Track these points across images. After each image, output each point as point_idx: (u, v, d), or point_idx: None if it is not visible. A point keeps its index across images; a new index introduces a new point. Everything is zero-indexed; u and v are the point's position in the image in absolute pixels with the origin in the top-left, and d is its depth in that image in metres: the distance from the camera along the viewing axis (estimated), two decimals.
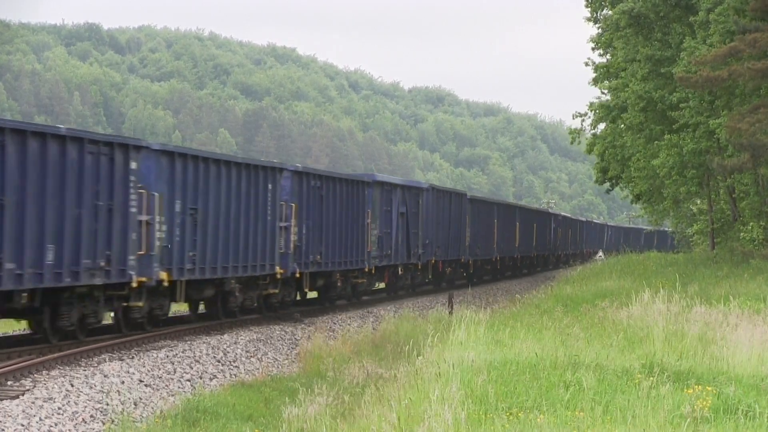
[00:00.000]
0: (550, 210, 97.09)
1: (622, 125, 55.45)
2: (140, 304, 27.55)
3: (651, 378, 17.24)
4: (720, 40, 43.15)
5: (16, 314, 24.94)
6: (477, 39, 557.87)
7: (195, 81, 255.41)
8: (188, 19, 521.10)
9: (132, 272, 26.28)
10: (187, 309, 34.24)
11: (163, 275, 28.06)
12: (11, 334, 28.82)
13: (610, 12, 55.08)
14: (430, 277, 53.31)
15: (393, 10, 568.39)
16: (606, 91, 59.47)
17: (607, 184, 65.58)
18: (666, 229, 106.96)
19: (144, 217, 27.04)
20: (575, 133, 64.93)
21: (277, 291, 35.35)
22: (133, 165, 26.30)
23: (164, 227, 28.12)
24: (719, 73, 39.89)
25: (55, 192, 23.66)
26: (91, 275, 24.79)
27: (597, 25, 59.81)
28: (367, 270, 42.88)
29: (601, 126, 61.44)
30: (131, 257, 26.24)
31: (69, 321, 25.13)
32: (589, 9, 59.16)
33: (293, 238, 35.72)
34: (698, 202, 64.21)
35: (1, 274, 22.19)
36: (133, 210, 26.39)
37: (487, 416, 14.59)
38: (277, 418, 19.48)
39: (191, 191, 29.60)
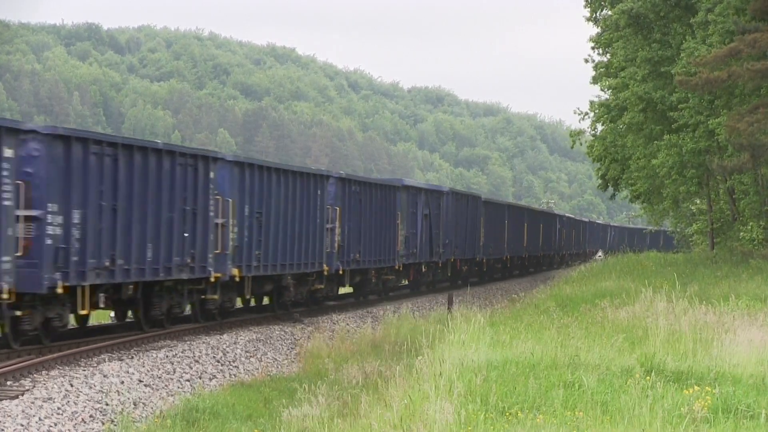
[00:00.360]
0: (555, 212, 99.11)
1: (622, 126, 55.41)
2: (216, 297, 31.08)
3: (650, 378, 17.25)
4: (720, 41, 43.12)
5: (121, 304, 28.29)
6: (476, 39, 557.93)
7: (194, 81, 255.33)
8: (188, 19, 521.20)
9: (210, 269, 29.85)
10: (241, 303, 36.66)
11: (235, 272, 31.65)
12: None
13: (609, 12, 55.04)
14: (449, 274, 56.47)
15: (393, 10, 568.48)
16: (606, 90, 59.43)
17: (611, 190, 65.70)
18: (666, 229, 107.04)
19: (220, 221, 30.67)
20: (576, 136, 64.95)
21: (323, 286, 38.76)
22: (212, 174, 30.02)
23: (236, 229, 31.70)
24: (719, 75, 39.86)
25: (153, 198, 27.16)
26: (180, 271, 28.43)
27: (597, 25, 59.79)
28: (396, 267, 46.26)
29: (601, 127, 61.43)
30: (210, 255, 29.85)
31: (160, 311, 28.64)
32: (589, 9, 59.14)
33: (337, 238, 39.28)
34: (698, 202, 64.19)
35: (114, 269, 25.61)
36: (212, 214, 30.05)
37: (487, 416, 14.59)
38: (277, 418, 19.48)
39: (257, 197, 33.14)
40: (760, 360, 19.10)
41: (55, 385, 20.96)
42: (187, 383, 24.09)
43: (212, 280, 30.15)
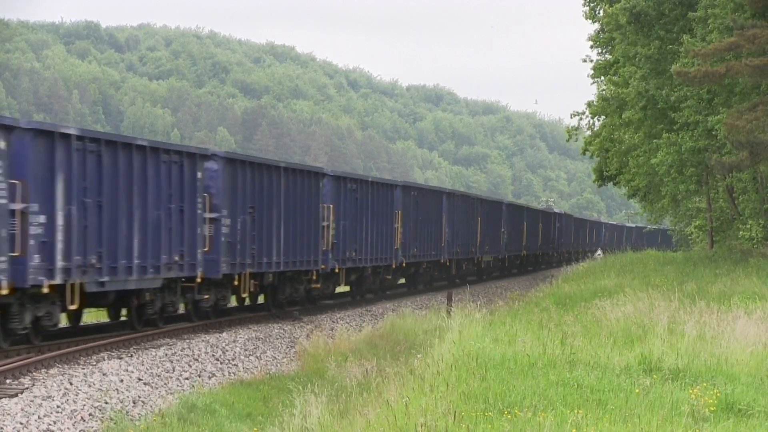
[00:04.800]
0: (564, 212, 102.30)
1: (619, 120, 55.33)
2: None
3: (650, 376, 17.25)
4: (719, 38, 43.06)
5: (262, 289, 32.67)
6: (476, 37, 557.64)
7: (194, 79, 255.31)
8: (187, 17, 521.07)
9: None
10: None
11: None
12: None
13: (608, 9, 54.93)
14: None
15: (392, 9, 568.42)
16: (604, 84, 59.31)
17: (601, 182, 65.70)
18: (665, 227, 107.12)
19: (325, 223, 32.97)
20: (573, 131, 64.89)
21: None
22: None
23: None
24: (717, 69, 39.79)
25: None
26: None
27: (595, 23, 59.74)
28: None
29: (600, 121, 61.38)
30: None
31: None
32: (587, 7, 59.06)
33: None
34: (697, 200, 64.12)
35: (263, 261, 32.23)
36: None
37: (486, 415, 14.58)
38: (276, 416, 19.47)
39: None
40: (759, 358, 19.11)
41: (54, 384, 20.96)
42: (187, 382, 24.09)
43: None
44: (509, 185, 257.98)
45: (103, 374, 22.48)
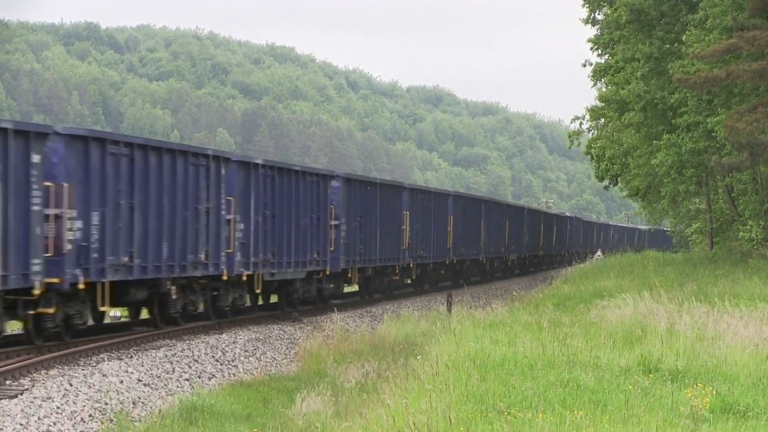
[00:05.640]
0: (570, 215, 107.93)
1: (619, 122, 55.33)
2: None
3: (649, 377, 17.26)
4: (718, 38, 43.07)
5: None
6: (475, 38, 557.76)
7: (194, 80, 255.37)
8: (187, 18, 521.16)
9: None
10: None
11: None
12: (10, 333, 28.82)
13: (608, 12, 54.91)
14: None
15: (392, 9, 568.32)
16: (604, 87, 59.30)
17: (606, 182, 65.69)
18: (665, 228, 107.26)
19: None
20: (574, 135, 64.90)
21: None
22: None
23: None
24: (717, 73, 39.80)
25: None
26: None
27: (596, 27, 59.74)
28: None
29: (601, 122, 61.40)
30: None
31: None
32: (588, 8, 59.04)
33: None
34: (697, 201, 64.13)
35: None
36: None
37: (485, 416, 14.59)
38: (276, 417, 19.49)
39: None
40: (759, 359, 19.11)
41: (54, 385, 20.96)
42: (186, 383, 24.09)
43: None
44: (509, 186, 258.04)
45: (103, 375, 22.48)
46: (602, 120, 61.17)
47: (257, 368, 27.42)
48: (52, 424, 18.55)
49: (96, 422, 19.36)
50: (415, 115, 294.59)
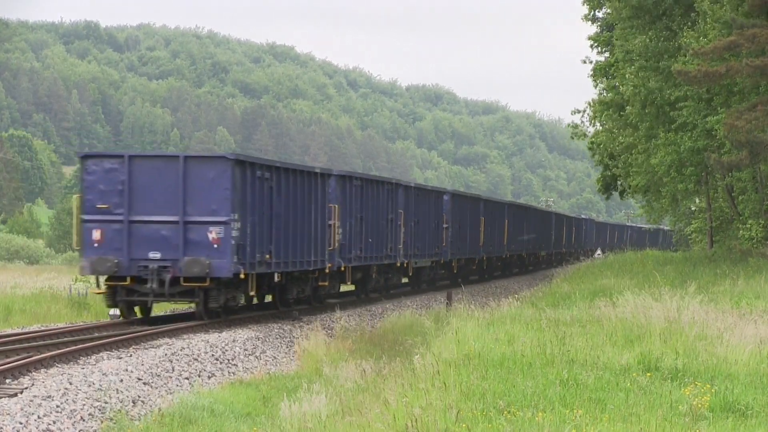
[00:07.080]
0: (579, 216, 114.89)
1: (619, 120, 55.30)
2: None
3: (649, 375, 17.26)
4: (717, 35, 43.04)
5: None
6: (475, 37, 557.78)
7: (193, 79, 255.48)
8: (187, 17, 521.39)
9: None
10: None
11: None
12: (9, 331, 28.82)
13: (608, 10, 54.91)
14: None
15: (391, 9, 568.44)
16: (604, 88, 59.35)
17: (612, 193, 66.05)
18: (665, 227, 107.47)
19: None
20: (574, 128, 64.83)
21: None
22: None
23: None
24: (717, 69, 39.75)
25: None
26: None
27: (596, 24, 59.72)
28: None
29: (601, 122, 61.39)
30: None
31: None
32: (588, 6, 59.05)
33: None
34: (697, 200, 64.09)
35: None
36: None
37: (485, 414, 14.59)
38: (276, 416, 19.48)
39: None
40: (759, 358, 19.11)
41: (53, 383, 20.95)
42: (186, 381, 24.09)
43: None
44: (509, 185, 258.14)
45: (103, 374, 22.47)
46: (602, 119, 61.10)
47: (257, 367, 27.42)
48: (51, 422, 18.54)
49: (96, 421, 19.36)
50: (415, 113, 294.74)
